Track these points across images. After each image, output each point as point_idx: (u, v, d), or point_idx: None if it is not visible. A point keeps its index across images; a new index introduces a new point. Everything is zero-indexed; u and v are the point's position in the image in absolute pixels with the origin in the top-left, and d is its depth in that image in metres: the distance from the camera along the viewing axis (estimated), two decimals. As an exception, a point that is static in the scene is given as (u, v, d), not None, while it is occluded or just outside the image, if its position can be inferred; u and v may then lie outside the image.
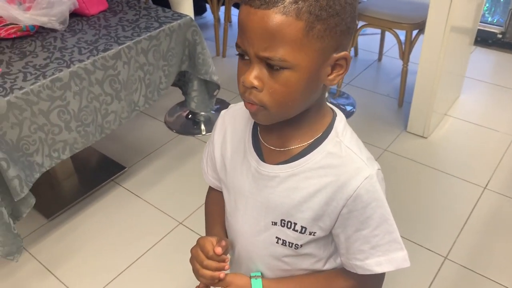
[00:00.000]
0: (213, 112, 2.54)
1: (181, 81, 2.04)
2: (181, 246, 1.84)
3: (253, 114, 0.72)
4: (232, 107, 0.90)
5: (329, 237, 0.80)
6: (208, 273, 0.81)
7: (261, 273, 0.86)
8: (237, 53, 0.69)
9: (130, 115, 1.74)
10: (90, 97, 1.57)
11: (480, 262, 1.73)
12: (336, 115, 0.78)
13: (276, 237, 0.81)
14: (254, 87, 0.67)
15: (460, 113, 2.55)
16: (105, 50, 1.59)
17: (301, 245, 0.80)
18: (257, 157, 0.79)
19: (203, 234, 1.87)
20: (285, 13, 0.61)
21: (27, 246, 1.84)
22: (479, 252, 1.77)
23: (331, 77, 0.70)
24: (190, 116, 2.58)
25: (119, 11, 1.87)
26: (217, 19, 3.11)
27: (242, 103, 0.74)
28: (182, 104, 2.65)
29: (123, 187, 2.15)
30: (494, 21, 3.04)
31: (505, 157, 2.23)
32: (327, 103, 0.79)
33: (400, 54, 2.49)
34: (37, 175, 1.51)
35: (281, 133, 0.76)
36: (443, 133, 2.41)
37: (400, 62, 2.52)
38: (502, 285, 1.64)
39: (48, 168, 1.53)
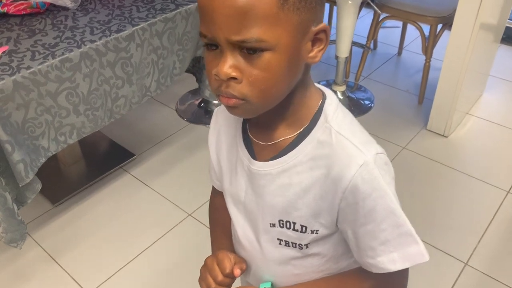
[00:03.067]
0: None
1: (195, 67, 1.96)
2: (190, 238, 1.78)
3: (231, 109, 0.63)
4: None
5: (339, 234, 0.73)
6: None
7: (272, 283, 0.80)
8: (203, 43, 0.61)
9: (141, 100, 1.67)
10: (100, 79, 1.50)
11: (502, 269, 1.65)
12: (325, 98, 0.70)
13: (278, 239, 0.75)
14: (231, 78, 0.59)
15: (482, 112, 2.45)
16: (118, 31, 1.51)
17: (306, 245, 0.73)
18: (248, 154, 0.73)
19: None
20: None
21: (31, 232, 1.79)
22: (501, 259, 1.69)
23: (312, 54, 0.63)
24: (202, 104, 2.51)
25: (134, -10, 1.79)
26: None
27: None
28: (195, 92, 2.57)
29: (131, 174, 2.09)
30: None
31: (530, 160, 2.14)
32: (317, 84, 0.71)
33: (423, 49, 2.39)
34: (43, 160, 1.45)
35: (268, 125, 0.69)
36: (465, 133, 2.32)
37: (421, 57, 2.42)
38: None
39: (54, 153, 1.47)
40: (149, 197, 1.98)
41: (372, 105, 2.49)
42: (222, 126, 0.80)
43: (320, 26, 0.61)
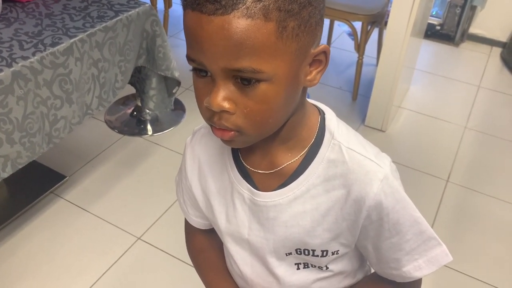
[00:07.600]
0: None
1: (135, 78, 1.79)
2: (143, 265, 1.63)
3: (226, 142, 0.60)
4: (197, 132, 0.75)
5: (354, 248, 0.71)
6: None
7: None
8: (191, 68, 0.56)
9: (82, 120, 1.48)
10: (36, 101, 1.30)
11: (452, 256, 1.72)
12: (324, 113, 0.66)
13: (295, 264, 0.71)
14: (224, 111, 0.54)
15: (412, 105, 2.57)
16: (53, 44, 1.31)
17: (327, 266, 0.70)
18: (248, 185, 0.67)
19: (166, 248, 1.65)
20: (250, 15, 0.49)
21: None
22: (451, 247, 1.76)
23: (310, 77, 0.59)
24: (135, 113, 2.32)
25: (61, -4, 1.58)
26: (155, 5, 2.84)
27: (205, 123, 0.61)
28: (125, 100, 2.37)
29: (65, 199, 1.87)
30: (433, 13, 3.11)
31: (461, 148, 2.27)
32: (308, 100, 0.67)
33: (355, 46, 2.43)
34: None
35: (266, 151, 0.65)
36: (400, 126, 2.40)
37: (348, 54, 2.46)
38: (473, 277, 1.65)
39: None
40: (89, 223, 1.78)
41: (309, 104, 2.49)
42: (203, 159, 0.73)
43: (320, 47, 0.57)
